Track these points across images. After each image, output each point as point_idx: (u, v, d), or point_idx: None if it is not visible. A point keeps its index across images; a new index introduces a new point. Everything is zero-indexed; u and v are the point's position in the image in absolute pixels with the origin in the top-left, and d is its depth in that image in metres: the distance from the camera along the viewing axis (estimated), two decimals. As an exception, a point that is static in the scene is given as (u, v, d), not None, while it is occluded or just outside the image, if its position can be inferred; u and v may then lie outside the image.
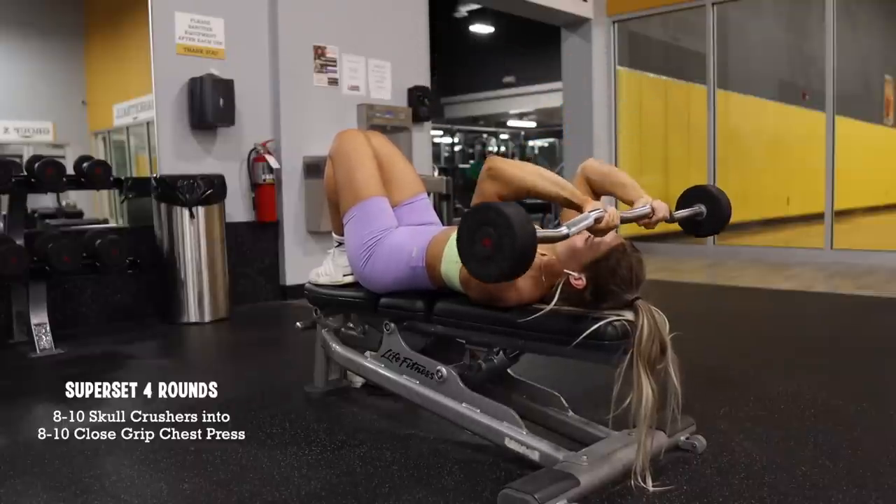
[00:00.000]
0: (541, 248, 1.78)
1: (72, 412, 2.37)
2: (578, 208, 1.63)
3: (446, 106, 14.22)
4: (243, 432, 2.09)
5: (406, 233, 2.03)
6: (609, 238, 1.67)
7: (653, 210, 1.79)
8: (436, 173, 6.88)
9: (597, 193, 1.91)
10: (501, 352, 1.95)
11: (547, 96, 12.86)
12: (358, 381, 2.49)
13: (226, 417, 2.20)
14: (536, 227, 1.45)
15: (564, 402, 1.94)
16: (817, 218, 6.18)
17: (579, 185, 1.89)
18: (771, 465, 1.78)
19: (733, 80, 7.15)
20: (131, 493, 1.70)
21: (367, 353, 2.17)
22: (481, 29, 12.57)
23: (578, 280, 1.64)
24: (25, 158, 3.86)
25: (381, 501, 1.62)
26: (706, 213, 2.01)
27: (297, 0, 4.60)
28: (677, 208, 2.03)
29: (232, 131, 4.35)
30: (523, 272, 1.46)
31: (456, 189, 5.31)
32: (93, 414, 2.34)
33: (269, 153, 4.47)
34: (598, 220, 1.59)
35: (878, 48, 8.02)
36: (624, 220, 1.69)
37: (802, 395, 2.35)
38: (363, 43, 5.00)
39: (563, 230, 1.54)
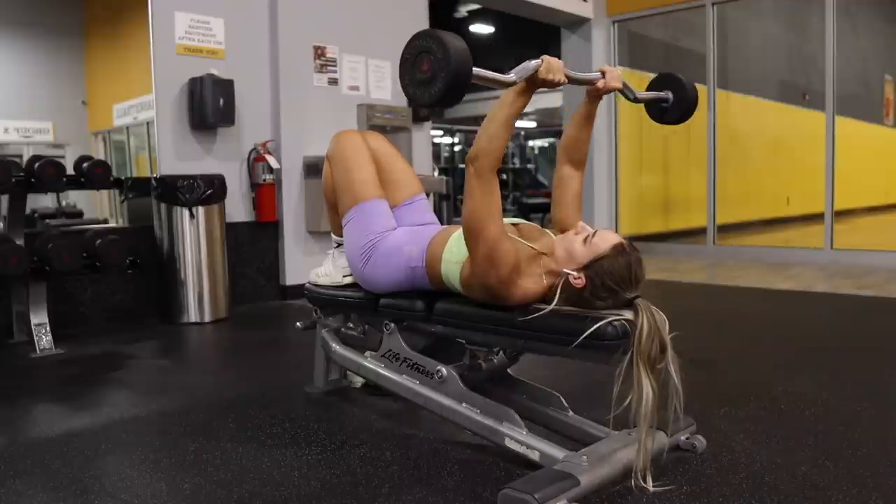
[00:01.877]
0: (540, 248, 1.79)
1: (72, 412, 2.38)
2: (526, 93, 1.67)
3: (446, 106, 14.20)
4: (243, 432, 2.10)
5: (405, 234, 2.03)
6: (608, 237, 1.67)
7: (602, 73, 1.85)
8: (436, 173, 6.88)
9: (578, 156, 1.97)
10: (501, 352, 1.95)
11: (547, 96, 12.86)
12: (358, 381, 2.49)
13: (226, 417, 2.21)
14: (476, 68, 1.50)
15: (564, 402, 1.94)
16: (817, 218, 6.18)
17: (561, 164, 1.98)
18: (771, 465, 1.78)
19: (733, 80, 7.15)
20: (131, 493, 1.70)
21: (367, 353, 2.17)
22: (481, 29, 12.56)
23: (578, 279, 1.64)
24: (25, 158, 3.85)
25: (381, 501, 1.62)
26: (672, 100, 2.05)
27: (297, 0, 4.60)
28: (646, 91, 2.08)
29: (232, 131, 4.35)
30: (460, 93, 1.50)
31: (456, 189, 5.31)
32: (93, 414, 2.34)
33: (269, 153, 4.47)
34: (538, 66, 1.64)
35: (878, 48, 8.03)
36: (571, 79, 1.74)
37: (802, 395, 2.35)
38: (363, 43, 5.00)
39: (511, 76, 1.60)
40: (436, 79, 1.47)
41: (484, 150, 1.67)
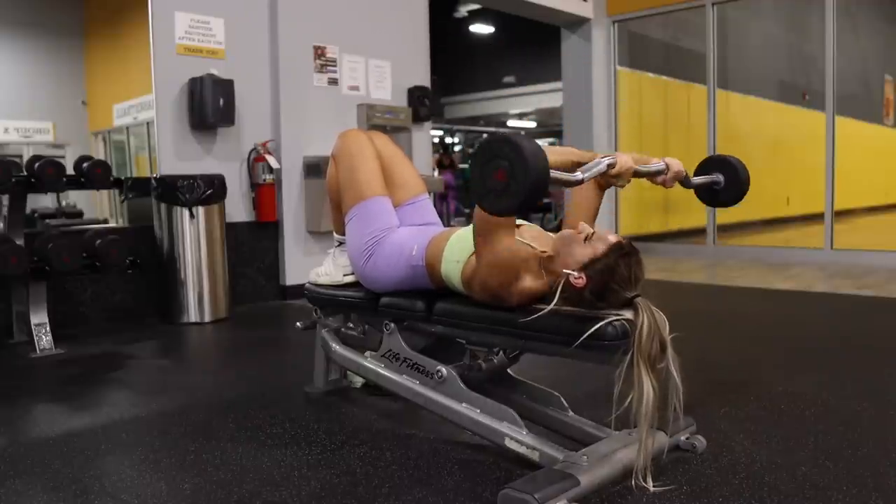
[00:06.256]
0: (541, 246, 1.79)
1: (72, 412, 2.38)
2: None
3: (446, 106, 14.22)
4: (243, 432, 2.10)
5: (407, 233, 2.04)
6: (608, 237, 1.67)
7: (667, 166, 1.85)
8: (436, 173, 6.88)
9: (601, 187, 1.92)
10: (501, 352, 1.95)
11: (547, 96, 12.86)
12: (358, 381, 2.49)
13: (226, 417, 2.21)
14: (553, 172, 1.40)
15: (564, 402, 1.94)
16: (817, 218, 6.18)
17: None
18: (771, 465, 1.78)
19: (733, 80, 7.15)
20: (131, 493, 1.70)
21: (367, 353, 2.17)
22: (481, 29, 12.58)
23: (578, 279, 1.64)
24: (25, 158, 3.86)
25: (381, 501, 1.62)
26: (724, 183, 2.02)
27: (297, 0, 4.60)
28: (695, 176, 2.04)
29: (232, 131, 4.35)
30: (536, 203, 1.46)
31: (456, 189, 5.30)
32: (93, 414, 2.34)
33: (269, 153, 4.47)
34: (610, 166, 1.62)
35: (878, 48, 8.03)
36: (637, 174, 1.72)
37: (802, 395, 2.35)
38: (363, 43, 5.00)
39: (578, 175, 1.53)
40: (513, 187, 1.36)
41: None
